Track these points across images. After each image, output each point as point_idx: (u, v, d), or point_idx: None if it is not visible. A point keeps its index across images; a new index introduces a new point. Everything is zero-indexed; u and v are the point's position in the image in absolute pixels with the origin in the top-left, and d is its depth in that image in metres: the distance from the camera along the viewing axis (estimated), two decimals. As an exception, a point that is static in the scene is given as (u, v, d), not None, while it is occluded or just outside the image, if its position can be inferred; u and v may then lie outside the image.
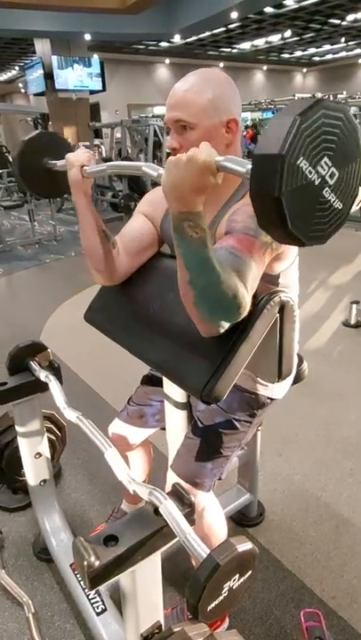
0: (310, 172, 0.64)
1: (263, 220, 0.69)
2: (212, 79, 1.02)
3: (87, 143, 8.96)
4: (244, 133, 12.54)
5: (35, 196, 7.85)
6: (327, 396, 2.60)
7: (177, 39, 12.27)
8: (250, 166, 0.70)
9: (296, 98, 8.80)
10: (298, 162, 0.62)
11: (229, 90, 1.03)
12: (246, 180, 0.70)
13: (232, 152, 1.07)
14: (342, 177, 0.69)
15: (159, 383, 1.29)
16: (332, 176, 0.67)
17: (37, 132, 1.30)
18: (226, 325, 0.89)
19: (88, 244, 1.16)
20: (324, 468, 2.04)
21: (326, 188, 0.67)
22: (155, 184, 0.89)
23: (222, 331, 0.90)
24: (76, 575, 1.41)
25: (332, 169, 0.67)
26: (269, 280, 1.04)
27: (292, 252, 1.06)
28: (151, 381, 1.44)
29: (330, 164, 0.66)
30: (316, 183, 0.66)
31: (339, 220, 0.72)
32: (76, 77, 11.24)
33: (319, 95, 8.41)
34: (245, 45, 15.48)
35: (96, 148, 9.46)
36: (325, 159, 0.66)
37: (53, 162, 1.22)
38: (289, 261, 1.07)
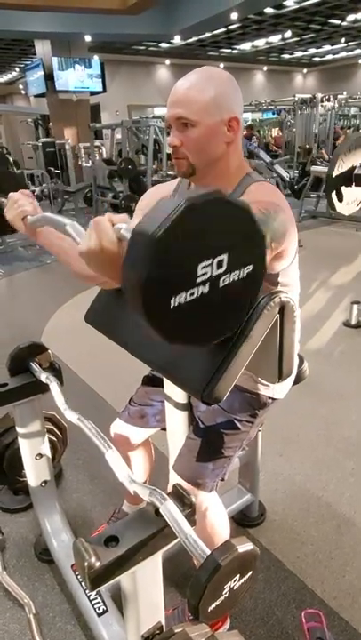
0: (192, 294, 0.64)
1: (131, 303, 0.65)
2: (214, 77, 1.02)
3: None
4: (246, 133, 12.56)
5: (37, 193, 7.71)
6: (328, 396, 2.60)
7: (177, 40, 12.27)
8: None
9: (297, 98, 8.82)
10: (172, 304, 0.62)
11: (231, 88, 1.04)
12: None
13: (233, 150, 1.07)
14: (236, 252, 0.67)
15: (160, 383, 1.29)
16: (220, 265, 0.66)
17: None
18: None
19: (75, 270, 1.09)
20: (326, 467, 2.04)
21: (223, 278, 0.67)
22: (155, 183, 0.89)
23: None
24: (77, 576, 1.41)
25: (218, 258, 0.65)
26: (269, 279, 1.04)
27: (292, 250, 1.06)
28: (152, 382, 1.44)
29: (210, 260, 0.64)
30: (207, 291, 0.65)
31: (253, 280, 0.71)
32: (76, 78, 11.24)
33: (319, 96, 8.42)
34: (246, 46, 15.47)
35: (97, 148, 9.46)
36: (204, 261, 0.64)
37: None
38: (289, 260, 1.07)
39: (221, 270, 0.66)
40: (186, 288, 0.63)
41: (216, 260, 0.65)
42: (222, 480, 1.24)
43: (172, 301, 0.62)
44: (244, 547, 0.73)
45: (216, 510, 1.26)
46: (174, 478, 1.20)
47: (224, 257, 0.66)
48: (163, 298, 0.62)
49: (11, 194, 1.10)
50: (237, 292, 0.70)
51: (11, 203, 1.09)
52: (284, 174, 8.22)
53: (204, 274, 0.64)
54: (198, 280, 0.64)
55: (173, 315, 0.63)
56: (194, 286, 0.64)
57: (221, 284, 0.67)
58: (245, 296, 0.73)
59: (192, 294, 0.64)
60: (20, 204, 1.08)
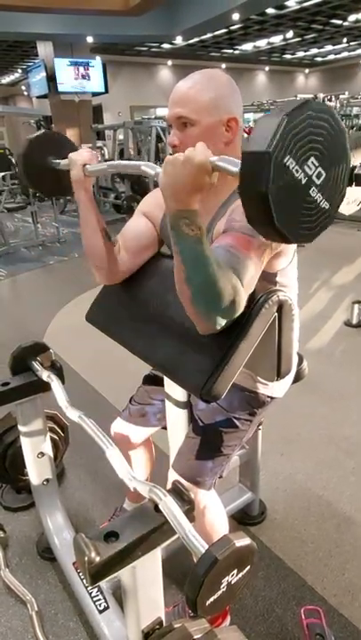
0: (297, 171, 0.66)
1: (251, 215, 0.70)
2: (214, 78, 1.05)
3: (90, 145, 9.01)
4: (246, 130, 12.55)
5: (39, 195, 7.84)
6: (329, 395, 2.61)
7: (179, 41, 12.29)
8: None
9: (298, 98, 8.81)
10: (285, 160, 0.64)
11: (231, 90, 1.06)
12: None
13: (231, 150, 1.08)
14: (329, 178, 0.70)
15: (160, 383, 1.30)
16: (318, 176, 0.69)
17: (41, 131, 1.32)
18: (222, 323, 0.91)
19: (89, 242, 1.19)
20: (326, 466, 2.05)
21: (313, 188, 0.69)
22: (156, 184, 0.91)
23: (219, 328, 0.91)
24: (78, 573, 1.42)
25: (319, 169, 0.68)
26: (267, 278, 1.05)
27: (290, 249, 1.07)
28: (153, 381, 1.45)
29: (317, 164, 0.68)
30: (303, 182, 0.67)
31: (325, 219, 0.73)
32: (78, 80, 11.28)
33: (321, 96, 8.42)
34: (247, 46, 15.48)
35: (99, 149, 9.48)
36: (312, 159, 0.67)
37: (57, 161, 1.24)
38: (287, 260, 1.08)
39: (318, 182, 0.69)
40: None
41: (318, 170, 0.69)
42: (220, 477, 1.25)
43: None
44: (242, 541, 0.75)
45: (215, 508, 1.27)
46: (173, 477, 1.21)
47: (324, 173, 0.69)
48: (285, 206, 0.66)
49: (70, 154, 1.15)
50: (312, 212, 0.71)
51: (73, 160, 1.14)
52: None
53: (310, 169, 0.68)
54: (306, 169, 0.67)
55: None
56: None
57: (311, 193, 0.69)
58: (312, 226, 0.73)
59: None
60: (82, 155, 1.14)
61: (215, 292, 0.85)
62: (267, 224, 0.67)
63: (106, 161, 8.41)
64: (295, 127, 0.64)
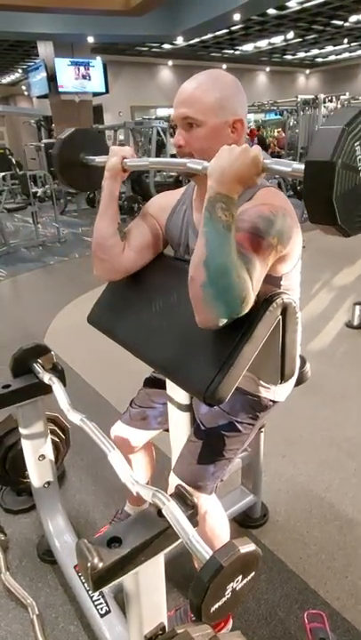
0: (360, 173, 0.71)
1: (315, 217, 0.75)
2: (220, 79, 1.04)
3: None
4: (250, 133, 12.54)
5: (39, 195, 7.81)
6: (331, 396, 2.60)
7: (180, 41, 12.29)
8: (297, 166, 0.80)
9: (299, 99, 8.81)
10: (348, 164, 0.69)
11: (236, 91, 1.06)
12: (291, 177, 0.81)
13: None
14: None
15: (162, 385, 1.29)
16: None
17: (75, 128, 1.37)
18: (225, 319, 0.90)
19: (101, 233, 1.20)
20: (328, 468, 2.04)
21: None
22: (158, 186, 0.92)
23: (220, 324, 0.90)
24: (79, 577, 1.41)
25: None
26: (272, 281, 1.04)
27: (295, 254, 1.07)
28: (154, 384, 1.44)
29: None
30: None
31: None
32: (79, 80, 11.27)
33: (322, 97, 8.41)
34: (248, 47, 15.47)
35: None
36: None
37: (91, 157, 1.29)
38: (292, 264, 1.08)
39: None
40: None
41: None
42: (221, 481, 1.24)
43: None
44: (247, 547, 0.74)
45: (216, 513, 1.27)
46: (174, 481, 1.20)
47: None
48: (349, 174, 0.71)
49: (113, 147, 1.20)
50: None
51: (115, 151, 1.18)
52: (287, 175, 8.20)
53: None
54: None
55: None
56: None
57: None
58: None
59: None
60: (120, 150, 1.18)
61: (229, 281, 0.86)
62: (331, 224, 0.73)
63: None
64: (355, 135, 0.70)
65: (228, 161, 0.85)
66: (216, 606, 0.74)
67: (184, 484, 1.10)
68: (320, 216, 0.74)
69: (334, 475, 2.00)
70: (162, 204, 1.28)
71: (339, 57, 18.12)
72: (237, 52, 16.37)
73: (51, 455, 1.56)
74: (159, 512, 0.85)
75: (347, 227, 0.73)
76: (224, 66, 16.68)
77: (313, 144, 0.73)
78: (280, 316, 0.99)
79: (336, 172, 0.68)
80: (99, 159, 1.25)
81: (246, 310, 0.90)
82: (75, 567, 1.45)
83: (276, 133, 13.69)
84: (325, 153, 0.69)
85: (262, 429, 1.57)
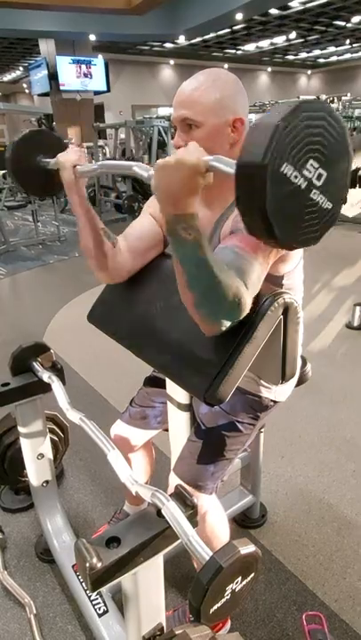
0: (296, 177, 0.63)
1: (251, 227, 0.68)
2: (220, 79, 1.03)
3: (89, 143, 9.00)
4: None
5: (30, 195, 7.85)
6: (330, 397, 2.59)
7: (182, 40, 12.28)
8: None
9: (301, 99, 8.81)
10: (282, 169, 0.61)
11: (236, 90, 1.04)
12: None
13: (237, 151, 1.07)
14: (331, 176, 0.68)
15: (162, 385, 1.29)
16: (319, 177, 0.66)
17: (30, 129, 1.29)
18: (227, 324, 0.89)
19: (84, 244, 1.17)
20: (327, 469, 2.04)
21: (314, 190, 0.67)
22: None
23: (224, 329, 0.90)
24: (78, 576, 1.41)
25: (320, 170, 0.66)
26: (273, 281, 1.03)
27: (297, 253, 1.06)
28: (154, 383, 1.44)
29: (316, 165, 0.65)
30: (303, 187, 0.65)
31: (330, 219, 0.71)
32: (80, 78, 11.26)
33: (323, 97, 8.41)
34: (250, 47, 15.47)
35: (100, 148, 9.47)
36: (311, 161, 0.65)
37: (47, 160, 1.20)
38: (294, 263, 1.07)
39: (319, 183, 0.67)
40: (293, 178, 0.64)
41: (318, 172, 0.66)
42: (222, 481, 1.24)
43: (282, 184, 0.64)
44: (246, 548, 0.73)
45: (216, 513, 1.26)
46: (174, 481, 1.20)
47: (324, 174, 0.67)
48: (278, 179, 0.63)
49: (59, 154, 1.12)
50: (314, 215, 0.70)
51: (62, 162, 1.11)
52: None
53: (309, 172, 0.65)
54: (305, 173, 0.65)
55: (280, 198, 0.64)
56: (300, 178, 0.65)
57: (312, 196, 0.67)
58: (316, 228, 0.71)
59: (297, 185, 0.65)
60: (71, 155, 1.11)
61: (219, 295, 0.83)
62: (268, 235, 0.65)
63: (108, 159, 8.39)
64: (290, 133, 0.61)
65: (166, 179, 0.77)
66: (215, 607, 0.73)
67: (184, 484, 1.10)
68: (255, 227, 0.66)
69: (333, 476, 2.00)
70: None
71: (341, 58, 18.14)
72: (239, 52, 16.37)
73: (49, 454, 1.55)
74: (158, 512, 0.85)
75: (289, 239, 0.66)
76: (226, 65, 16.68)
77: (244, 142, 0.64)
78: (282, 316, 0.99)
79: (269, 174, 0.59)
80: (54, 162, 1.16)
81: (246, 312, 0.89)
82: (73, 567, 1.44)
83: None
84: (256, 153, 0.60)
85: (262, 430, 1.57)
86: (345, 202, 0.74)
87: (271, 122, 0.60)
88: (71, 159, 1.09)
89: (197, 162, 0.76)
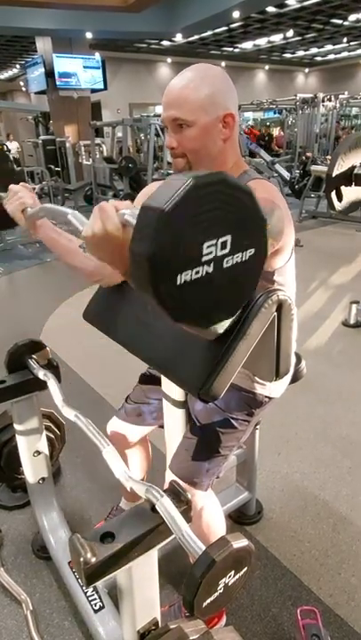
0: (197, 273, 0.64)
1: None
2: (207, 75, 1.01)
3: (87, 141, 8.97)
4: (246, 131, 12.50)
5: (37, 192, 7.86)
6: (326, 395, 2.60)
7: (179, 38, 12.25)
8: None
9: (298, 98, 8.81)
10: (178, 282, 0.62)
11: (225, 84, 1.03)
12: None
13: (230, 147, 1.07)
14: (240, 233, 0.67)
15: (157, 382, 1.29)
16: (224, 245, 0.66)
17: None
18: (225, 326, 0.89)
19: (74, 267, 1.14)
20: (323, 466, 2.05)
21: (227, 259, 0.67)
22: (155, 180, 0.89)
23: (222, 330, 0.90)
24: (74, 573, 1.41)
25: (221, 239, 0.65)
26: (265, 277, 1.04)
27: (288, 248, 1.06)
28: (149, 380, 1.44)
29: (214, 240, 0.64)
30: (212, 270, 0.65)
31: (259, 259, 0.72)
32: (77, 76, 11.23)
33: (321, 95, 8.41)
34: (247, 45, 15.45)
35: (97, 146, 9.45)
36: (207, 242, 0.64)
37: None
38: (285, 258, 1.07)
39: (225, 251, 0.66)
40: (192, 266, 0.63)
41: (220, 241, 0.65)
42: (217, 477, 1.24)
43: (179, 278, 0.62)
44: (239, 543, 0.74)
45: (212, 509, 1.27)
46: (170, 477, 1.20)
47: (228, 238, 0.66)
48: (169, 273, 0.62)
49: (11, 186, 1.12)
50: (240, 274, 0.70)
51: (11, 195, 1.10)
52: (285, 174, 8.21)
53: (209, 253, 0.64)
54: (204, 259, 0.64)
55: (179, 292, 0.63)
56: (199, 265, 0.64)
57: (225, 265, 0.67)
58: (248, 280, 0.73)
59: (197, 273, 0.64)
60: (20, 196, 1.10)
61: None
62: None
63: (104, 158, 8.32)
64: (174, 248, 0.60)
65: (99, 254, 0.77)
66: (209, 601, 0.74)
67: (179, 481, 1.11)
68: (140, 277, 0.64)
69: (329, 473, 2.01)
70: None
71: (338, 56, 18.13)
72: (237, 50, 16.34)
73: (46, 451, 1.56)
74: (153, 507, 0.85)
75: (162, 302, 0.64)
76: (223, 63, 16.66)
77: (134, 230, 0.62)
78: (275, 313, 0.99)
79: (165, 220, 0.58)
80: (4, 195, 1.13)
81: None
82: (69, 563, 1.45)
83: (277, 132, 13.66)
84: (161, 199, 0.58)
85: (258, 426, 1.58)
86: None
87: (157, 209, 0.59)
88: (21, 203, 1.09)
89: (114, 227, 0.73)
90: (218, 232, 0.65)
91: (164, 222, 0.59)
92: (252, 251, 0.70)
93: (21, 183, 1.14)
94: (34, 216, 1.09)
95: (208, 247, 0.64)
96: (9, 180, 1.17)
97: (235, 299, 0.75)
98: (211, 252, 0.64)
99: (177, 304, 0.65)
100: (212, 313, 0.72)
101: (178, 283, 0.63)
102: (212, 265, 0.65)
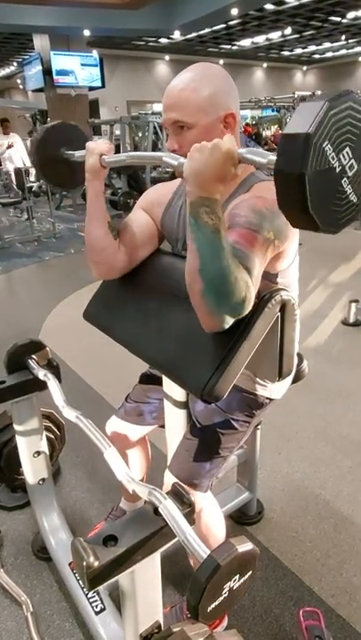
0: (333, 158, 0.66)
1: (284, 199, 0.70)
2: (207, 75, 1.00)
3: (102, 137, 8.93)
4: (242, 130, 12.48)
5: (34, 190, 7.80)
6: (326, 394, 2.60)
7: (177, 35, 12.18)
8: (272, 157, 0.74)
9: (296, 95, 8.80)
10: (323, 145, 0.65)
11: (225, 84, 1.02)
12: (266, 170, 0.76)
13: None
14: (359, 171, 0.70)
15: (158, 382, 1.28)
16: (351, 167, 0.69)
17: (55, 122, 1.33)
18: (230, 321, 0.89)
19: (92, 236, 1.17)
20: (324, 465, 2.04)
21: (345, 179, 0.69)
22: (155, 182, 0.89)
23: (226, 326, 0.89)
24: (74, 574, 1.40)
25: (352, 161, 0.69)
26: (268, 278, 1.03)
27: (292, 250, 1.06)
28: (150, 379, 1.44)
29: (351, 155, 0.68)
30: (337, 171, 0.68)
31: (352, 212, 0.73)
32: (75, 74, 11.19)
33: (319, 93, 8.40)
34: (245, 42, 15.40)
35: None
36: (347, 149, 0.68)
37: (71, 152, 1.24)
38: (289, 260, 1.07)
39: (350, 173, 0.69)
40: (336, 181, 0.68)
41: (351, 162, 0.69)
42: (216, 478, 1.24)
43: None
44: (244, 546, 0.73)
45: (211, 511, 1.26)
46: (169, 478, 1.19)
47: (356, 166, 0.69)
48: (321, 191, 0.66)
49: (88, 143, 1.14)
50: (341, 203, 0.71)
51: (91, 149, 1.11)
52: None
53: (344, 159, 0.68)
54: (341, 159, 0.68)
55: (328, 210, 0.69)
56: (342, 177, 0.69)
57: (343, 183, 0.69)
58: (340, 217, 0.73)
59: (340, 187, 0.69)
60: (98, 148, 1.11)
61: (228, 286, 0.84)
62: (299, 208, 0.67)
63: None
64: (335, 115, 0.65)
65: (201, 161, 0.81)
66: (213, 605, 0.73)
67: (180, 482, 1.10)
68: (289, 198, 0.69)
69: (330, 472, 2.00)
70: (156, 197, 1.25)
71: (336, 54, 18.09)
72: (235, 48, 16.30)
73: (46, 452, 1.55)
74: (155, 510, 0.84)
75: (318, 217, 0.68)
76: (221, 61, 16.62)
77: (291, 118, 0.68)
78: (279, 313, 0.99)
79: (312, 146, 0.63)
80: (78, 154, 1.20)
81: (249, 309, 0.89)
82: (70, 564, 1.44)
83: (274, 130, 13.62)
84: (303, 125, 0.64)
85: (258, 427, 1.57)
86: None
87: (320, 100, 0.65)
88: (100, 148, 1.11)
89: (232, 149, 0.80)
90: (347, 145, 0.68)
91: (309, 143, 0.63)
92: (355, 199, 0.72)
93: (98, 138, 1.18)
94: (114, 163, 1.11)
95: (346, 155, 0.68)
96: (81, 141, 1.25)
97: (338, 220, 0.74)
98: (346, 159, 0.68)
99: (326, 220, 0.69)
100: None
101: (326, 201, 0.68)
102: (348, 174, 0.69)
